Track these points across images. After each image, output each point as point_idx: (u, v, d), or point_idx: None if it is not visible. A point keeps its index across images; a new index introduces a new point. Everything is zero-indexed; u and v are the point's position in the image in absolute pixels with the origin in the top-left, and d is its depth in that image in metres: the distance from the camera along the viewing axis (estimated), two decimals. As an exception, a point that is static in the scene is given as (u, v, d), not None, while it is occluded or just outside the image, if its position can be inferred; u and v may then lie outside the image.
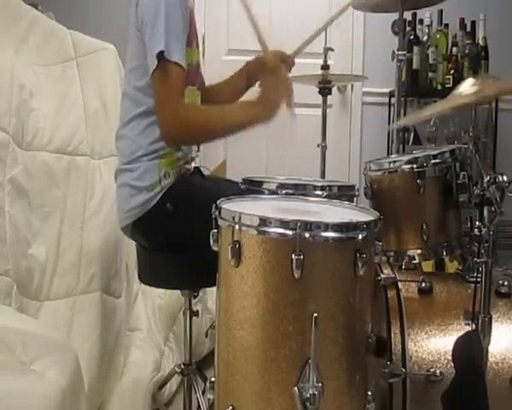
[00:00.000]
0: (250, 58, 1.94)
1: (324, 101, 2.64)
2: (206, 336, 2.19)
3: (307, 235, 1.16)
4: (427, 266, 2.26)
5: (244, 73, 1.94)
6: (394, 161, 1.73)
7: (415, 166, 1.67)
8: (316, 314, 1.13)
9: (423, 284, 1.68)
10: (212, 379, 1.31)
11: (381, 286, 1.68)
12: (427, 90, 3.43)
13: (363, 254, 1.18)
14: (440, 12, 3.42)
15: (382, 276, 1.69)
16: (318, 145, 2.67)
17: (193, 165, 1.82)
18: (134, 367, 2.11)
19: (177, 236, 1.68)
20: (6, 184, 1.69)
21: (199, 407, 1.81)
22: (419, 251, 1.70)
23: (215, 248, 1.28)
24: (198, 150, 1.92)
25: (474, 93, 1.53)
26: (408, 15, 3.30)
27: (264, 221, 1.18)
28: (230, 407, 1.22)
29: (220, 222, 1.27)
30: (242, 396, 1.22)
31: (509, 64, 3.44)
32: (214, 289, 1.34)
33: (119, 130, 1.75)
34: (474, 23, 3.42)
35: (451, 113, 3.29)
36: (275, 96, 1.68)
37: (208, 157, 3.33)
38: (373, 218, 1.28)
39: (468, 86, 1.58)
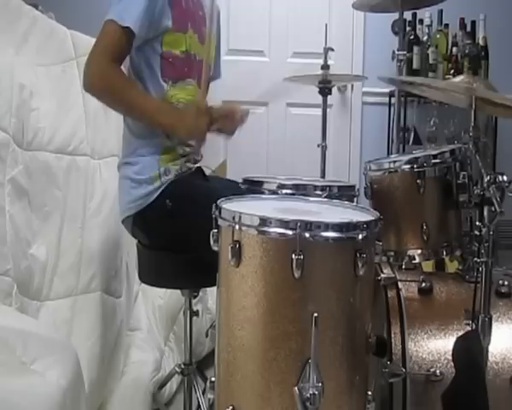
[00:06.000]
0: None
1: (324, 101, 2.64)
2: (207, 335, 2.19)
3: (307, 235, 1.16)
4: (427, 266, 2.26)
5: None
6: (394, 161, 1.73)
7: (415, 166, 1.67)
8: (316, 314, 1.13)
9: (423, 284, 1.68)
10: (213, 379, 1.31)
11: (381, 286, 1.69)
12: (427, 90, 3.43)
13: (363, 254, 1.18)
14: (440, 12, 3.42)
15: (382, 276, 1.69)
16: (318, 145, 2.67)
17: (195, 165, 1.83)
18: (134, 367, 2.11)
19: (175, 234, 1.68)
20: (6, 184, 1.69)
21: (199, 406, 1.81)
22: (419, 251, 1.69)
23: (215, 248, 1.28)
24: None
25: (460, 82, 1.56)
26: (408, 15, 3.31)
27: (264, 221, 1.18)
28: (230, 407, 1.22)
29: (220, 222, 1.27)
30: (242, 396, 1.22)
31: (509, 64, 3.45)
32: (214, 289, 1.34)
33: (123, 122, 1.78)
34: (474, 23, 3.43)
35: (451, 112, 3.31)
36: (192, 123, 1.66)
37: (208, 157, 3.32)
38: (373, 218, 1.28)
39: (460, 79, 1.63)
